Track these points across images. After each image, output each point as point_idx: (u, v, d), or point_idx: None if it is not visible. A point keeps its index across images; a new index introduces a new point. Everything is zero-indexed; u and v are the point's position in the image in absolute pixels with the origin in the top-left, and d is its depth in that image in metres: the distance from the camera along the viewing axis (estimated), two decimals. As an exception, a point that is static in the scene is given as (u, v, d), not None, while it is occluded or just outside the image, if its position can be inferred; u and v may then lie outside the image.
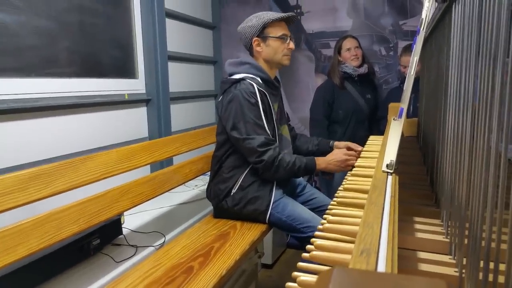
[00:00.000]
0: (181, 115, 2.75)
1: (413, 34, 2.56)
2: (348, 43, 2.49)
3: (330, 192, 2.57)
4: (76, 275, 1.34)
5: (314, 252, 0.70)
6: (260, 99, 1.63)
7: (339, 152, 1.74)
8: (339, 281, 0.25)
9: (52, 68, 1.82)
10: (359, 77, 2.53)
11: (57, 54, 1.84)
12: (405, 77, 2.39)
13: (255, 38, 1.70)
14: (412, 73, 0.88)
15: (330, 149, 1.89)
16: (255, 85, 1.64)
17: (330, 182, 2.72)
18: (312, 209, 1.79)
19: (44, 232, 1.12)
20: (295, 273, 0.68)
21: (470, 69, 0.56)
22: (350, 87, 2.55)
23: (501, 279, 0.41)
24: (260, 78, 1.70)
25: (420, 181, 1.13)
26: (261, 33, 1.70)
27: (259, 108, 1.62)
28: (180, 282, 1.20)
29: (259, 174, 1.66)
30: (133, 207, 1.51)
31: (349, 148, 1.81)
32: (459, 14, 0.66)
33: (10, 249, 1.03)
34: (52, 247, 1.23)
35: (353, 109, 2.55)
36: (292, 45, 1.73)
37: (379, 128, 2.55)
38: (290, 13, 1.74)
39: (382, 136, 1.81)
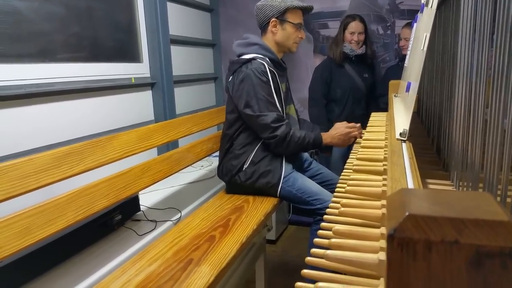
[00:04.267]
0: (183, 98, 2.81)
1: (410, 13, 2.63)
2: (354, 26, 2.53)
3: (329, 168, 2.68)
4: (104, 247, 1.43)
5: (342, 209, 0.79)
6: (271, 79, 1.71)
7: (341, 126, 1.83)
8: (411, 197, 0.33)
9: (64, 53, 1.87)
10: (356, 57, 2.61)
11: (68, 39, 1.89)
12: (403, 55, 2.48)
13: (273, 19, 1.77)
14: (422, 48, 0.96)
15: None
16: (266, 64, 1.71)
17: (328, 159, 2.81)
18: (318, 183, 1.88)
19: (78, 206, 1.21)
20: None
21: (484, 45, 0.64)
22: (348, 66, 2.63)
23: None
24: (269, 59, 1.77)
25: (426, 150, 1.23)
26: (281, 15, 1.76)
27: (270, 86, 1.70)
28: (206, 248, 1.30)
29: (272, 149, 1.75)
30: (153, 183, 1.60)
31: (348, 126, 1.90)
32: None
33: (50, 221, 1.11)
34: (79, 222, 1.31)
35: (350, 88, 2.63)
36: (303, 34, 1.82)
37: (379, 105, 2.64)
38: (310, 5, 1.81)
39: (385, 113, 1.91)
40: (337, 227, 0.72)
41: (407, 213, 0.30)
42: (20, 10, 1.64)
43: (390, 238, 0.30)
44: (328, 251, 0.64)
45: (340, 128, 1.81)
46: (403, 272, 0.30)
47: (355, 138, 1.81)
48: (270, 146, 1.75)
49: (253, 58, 1.73)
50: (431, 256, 0.29)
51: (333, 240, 0.67)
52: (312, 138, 1.75)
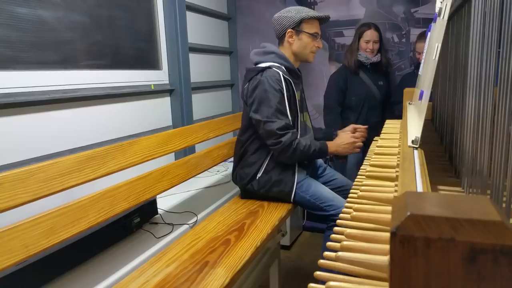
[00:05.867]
0: (200, 104, 2.87)
1: (425, 21, 2.65)
2: (369, 35, 2.56)
3: (344, 174, 2.70)
4: (124, 248, 1.47)
5: (354, 213, 0.81)
6: (285, 87, 1.74)
7: (345, 135, 1.86)
8: (413, 199, 0.36)
9: (87, 60, 1.94)
10: (371, 65, 2.63)
11: (90, 47, 1.96)
12: (418, 63, 2.49)
13: (289, 30, 1.81)
14: (434, 58, 0.98)
15: (335, 136, 1.95)
16: (281, 73, 1.75)
17: (344, 165, 2.83)
18: (332, 189, 1.90)
19: (100, 208, 1.26)
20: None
21: (491, 55, 0.67)
22: (363, 74, 2.65)
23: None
24: (285, 67, 1.81)
25: (438, 158, 1.24)
26: (297, 26, 1.80)
27: (283, 95, 1.73)
28: (221, 251, 1.33)
29: (275, 156, 1.77)
30: (172, 187, 1.65)
31: (354, 130, 1.91)
32: (480, 3, 0.77)
33: (73, 222, 1.16)
34: (100, 224, 1.36)
35: (366, 96, 2.65)
36: (320, 44, 1.85)
37: (394, 113, 2.64)
38: (327, 14, 1.84)
39: (399, 120, 1.93)
40: (349, 230, 0.75)
41: (408, 213, 0.33)
42: (45, 19, 1.72)
43: (393, 235, 0.33)
44: (340, 253, 0.67)
45: (344, 137, 1.84)
46: (404, 267, 0.33)
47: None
48: (274, 153, 1.76)
49: (269, 67, 1.77)
50: (430, 252, 0.32)
51: (344, 242, 0.70)
52: (317, 147, 1.77)
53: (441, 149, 1.36)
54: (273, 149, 1.75)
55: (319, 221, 2.98)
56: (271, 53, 1.82)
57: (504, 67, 0.58)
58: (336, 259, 0.67)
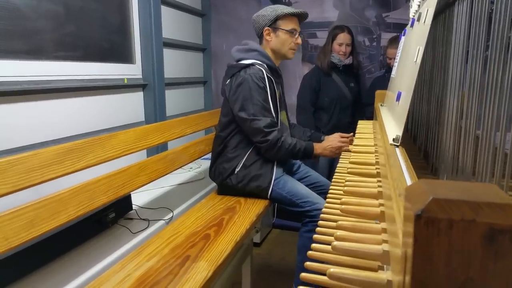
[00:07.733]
0: (172, 101, 2.84)
1: (396, 26, 2.74)
2: (342, 38, 2.61)
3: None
4: (100, 243, 1.45)
5: (343, 207, 0.85)
6: (268, 85, 1.76)
7: (334, 139, 1.89)
8: (430, 185, 0.39)
9: (59, 51, 1.88)
10: (343, 67, 2.70)
11: (64, 38, 1.90)
12: (389, 66, 2.58)
13: (266, 28, 1.83)
14: (415, 61, 1.03)
15: (321, 142, 1.98)
16: (264, 70, 1.77)
17: (315, 164, 2.89)
18: (307, 186, 1.94)
19: (79, 202, 1.23)
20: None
21: (476, 61, 0.71)
22: (335, 76, 2.71)
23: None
24: (267, 65, 1.83)
25: (413, 156, 1.31)
26: (273, 24, 1.83)
27: (267, 92, 1.75)
28: (202, 246, 1.34)
29: (262, 153, 1.80)
30: (149, 182, 1.63)
31: (341, 136, 1.96)
32: (463, 12, 0.82)
33: (54, 215, 1.13)
34: (76, 218, 1.33)
35: (338, 97, 2.71)
36: (299, 40, 1.87)
37: (365, 114, 2.73)
38: (303, 10, 1.86)
39: (371, 121, 1.99)
40: (340, 222, 0.78)
41: (431, 197, 0.36)
42: (18, 7, 1.65)
43: (418, 217, 0.36)
44: (335, 242, 0.70)
45: (333, 142, 1.86)
46: (428, 246, 0.35)
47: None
48: (261, 150, 1.80)
49: (252, 64, 1.79)
50: (452, 232, 0.35)
51: (338, 232, 0.73)
52: (303, 147, 1.80)
53: (415, 148, 1.42)
54: (259, 146, 1.77)
55: (290, 218, 3.02)
56: (253, 51, 1.84)
57: (492, 72, 0.63)
58: (332, 248, 0.70)
